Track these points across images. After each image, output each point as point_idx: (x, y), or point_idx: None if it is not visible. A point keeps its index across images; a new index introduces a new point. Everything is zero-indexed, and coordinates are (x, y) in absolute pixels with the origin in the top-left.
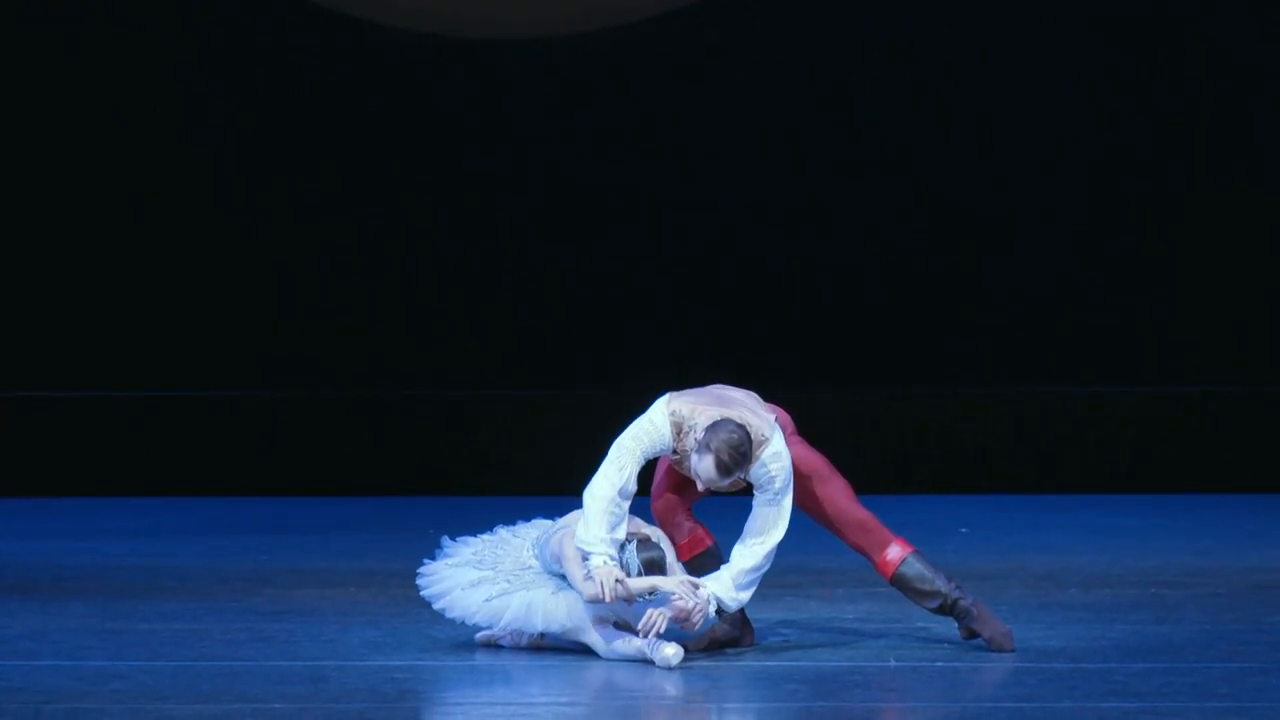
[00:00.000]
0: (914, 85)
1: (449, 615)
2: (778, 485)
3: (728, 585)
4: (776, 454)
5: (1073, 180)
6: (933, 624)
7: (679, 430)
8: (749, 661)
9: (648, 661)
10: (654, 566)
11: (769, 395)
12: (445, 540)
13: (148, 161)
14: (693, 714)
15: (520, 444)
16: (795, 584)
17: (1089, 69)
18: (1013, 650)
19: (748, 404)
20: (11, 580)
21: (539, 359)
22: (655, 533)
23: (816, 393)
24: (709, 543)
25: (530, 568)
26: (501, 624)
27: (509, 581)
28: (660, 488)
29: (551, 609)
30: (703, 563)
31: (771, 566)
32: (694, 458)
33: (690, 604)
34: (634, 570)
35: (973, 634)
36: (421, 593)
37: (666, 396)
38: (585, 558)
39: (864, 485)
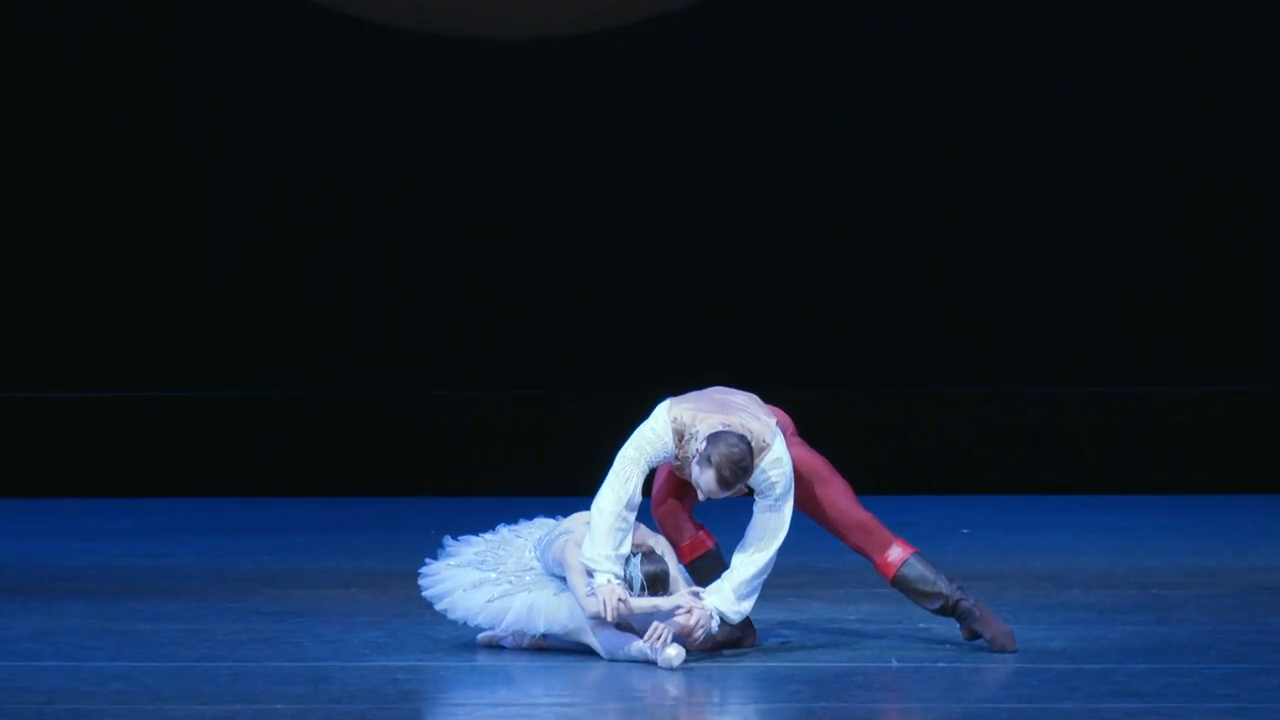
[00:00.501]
0: (914, 85)
1: (451, 616)
2: (778, 491)
3: (729, 597)
4: (777, 460)
5: (1073, 180)
6: (934, 625)
7: (681, 437)
8: (751, 662)
9: (649, 662)
10: (657, 582)
11: (770, 396)
12: (447, 540)
13: (147, 161)
14: (695, 715)
15: (522, 445)
16: (797, 585)
17: (1089, 69)
18: (1015, 651)
19: (748, 408)
20: (12, 581)
21: (541, 360)
22: (659, 541)
23: (818, 393)
24: (710, 545)
25: (532, 569)
26: (503, 625)
27: (511, 583)
28: (662, 491)
29: (553, 610)
30: (704, 565)
31: (773, 570)
32: (695, 469)
33: (692, 620)
34: (637, 584)
35: (975, 635)
36: (423, 593)
37: (667, 403)
38: (590, 573)
39: (865, 486)
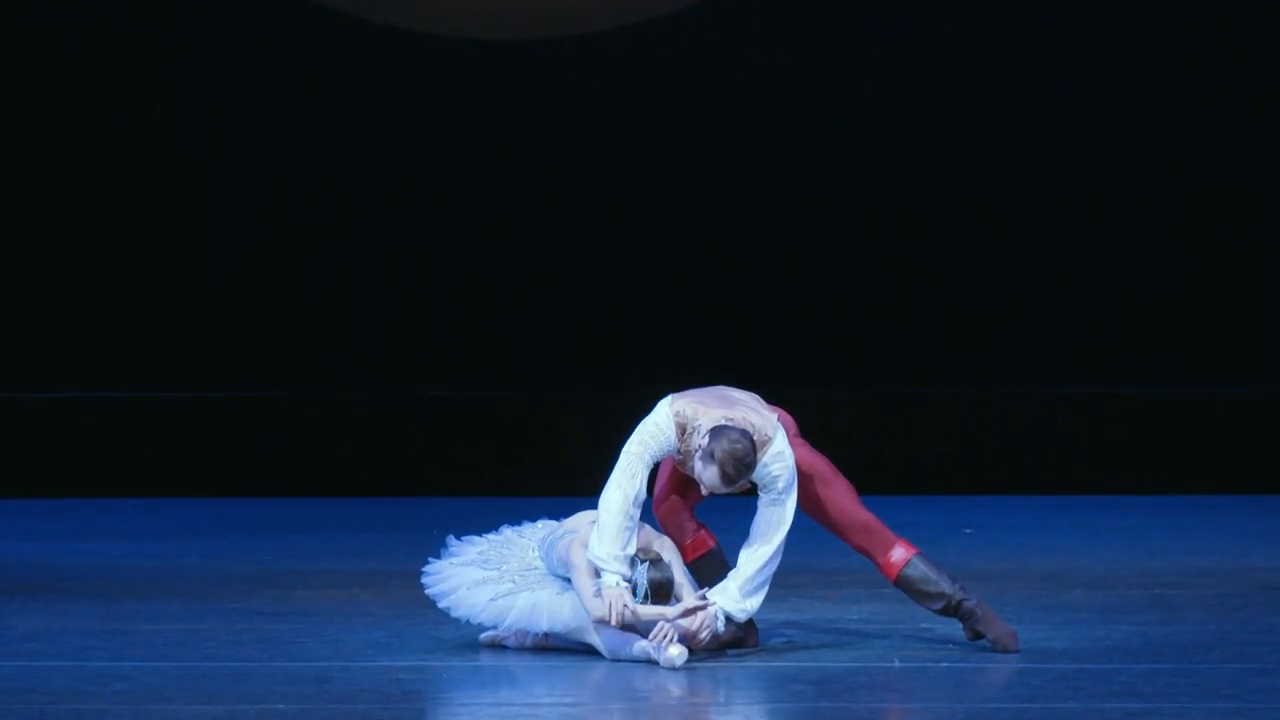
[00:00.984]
0: (915, 86)
1: (454, 614)
2: (781, 485)
3: (734, 596)
4: (779, 454)
5: (1073, 181)
6: (937, 624)
7: (683, 430)
8: (754, 662)
9: (652, 662)
10: (661, 591)
11: (773, 396)
12: (450, 540)
13: (147, 161)
14: (697, 715)
15: (524, 445)
16: (800, 585)
17: (1090, 69)
18: (1017, 651)
19: (750, 404)
20: (15, 581)
21: (543, 361)
22: (664, 543)
23: (819, 393)
24: (711, 544)
25: (536, 568)
26: (506, 624)
27: (514, 582)
28: (664, 490)
29: (556, 609)
30: (706, 564)
31: (778, 568)
32: (698, 464)
33: (696, 622)
34: (641, 591)
35: (978, 635)
36: (426, 591)
37: (669, 398)
38: (597, 573)
39: (867, 486)
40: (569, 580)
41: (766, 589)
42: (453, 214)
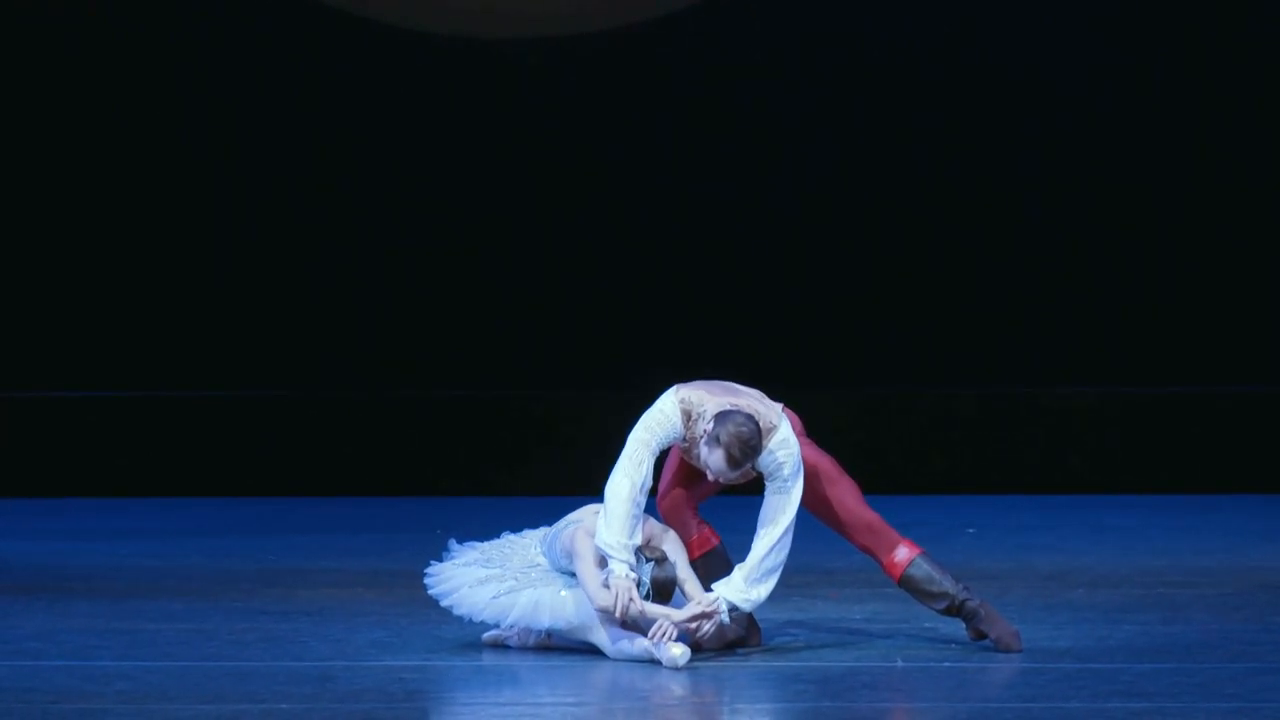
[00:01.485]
0: (916, 85)
1: (456, 612)
2: (786, 473)
3: (738, 586)
4: (784, 441)
5: (1075, 181)
6: (940, 624)
7: (689, 417)
8: (756, 662)
9: (655, 661)
10: (665, 589)
11: (776, 395)
12: (452, 543)
13: (147, 162)
14: (700, 714)
15: (527, 445)
16: (802, 584)
17: (1090, 69)
18: (1020, 651)
19: (755, 396)
20: (18, 581)
21: (545, 360)
22: (668, 536)
23: (822, 393)
24: (715, 543)
25: (538, 565)
26: (508, 621)
27: (516, 579)
28: (668, 485)
29: (558, 607)
30: (709, 562)
31: (787, 559)
32: (704, 449)
33: (699, 621)
34: (644, 588)
35: (981, 635)
36: (429, 591)
37: (675, 387)
38: (603, 563)
39: (870, 486)
40: (572, 575)
41: (775, 579)
42: (453, 214)
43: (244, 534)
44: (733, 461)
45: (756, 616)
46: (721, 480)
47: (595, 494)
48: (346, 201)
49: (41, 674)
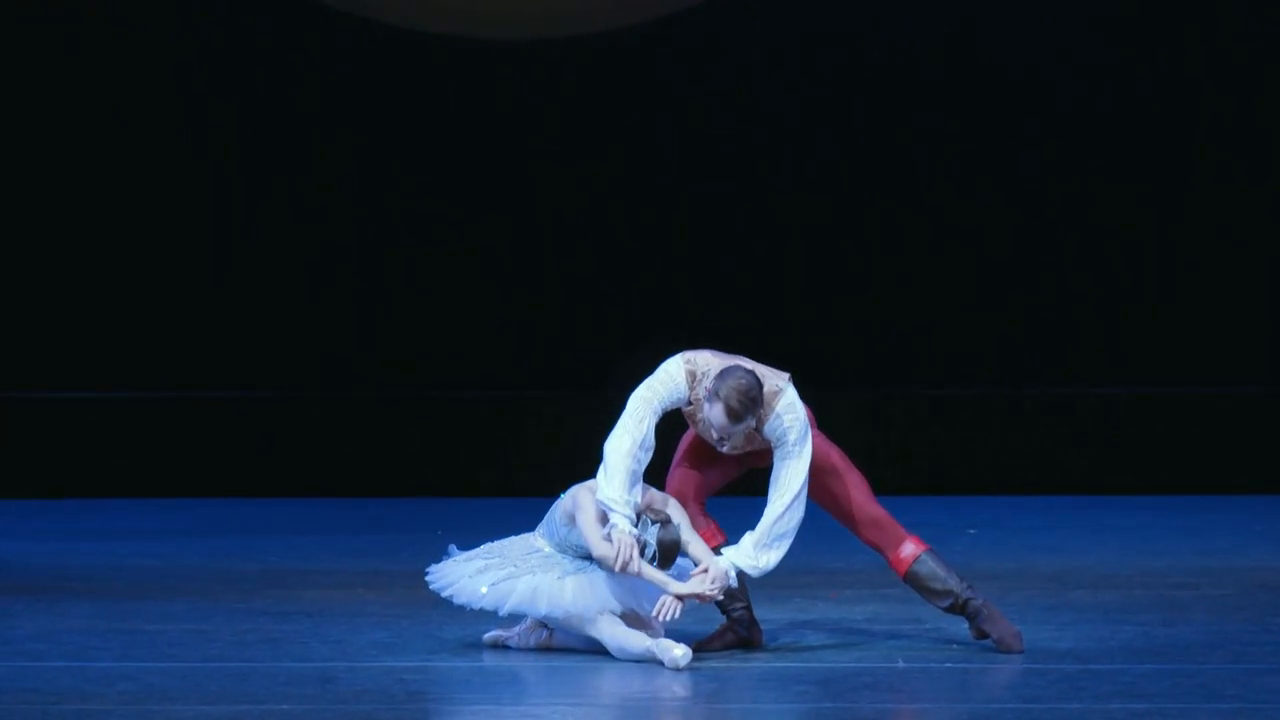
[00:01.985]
0: (917, 86)
1: (456, 601)
2: (793, 438)
3: (747, 550)
4: (790, 405)
5: (1075, 181)
6: (941, 625)
7: (693, 379)
8: (758, 663)
9: (656, 662)
10: (670, 551)
11: None
12: (452, 549)
13: (148, 162)
14: (701, 716)
15: (530, 446)
16: (804, 585)
17: (1091, 69)
18: (1022, 652)
19: (763, 367)
20: (19, 581)
21: (548, 361)
22: (670, 502)
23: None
24: (721, 539)
25: (538, 551)
26: (506, 608)
27: (515, 566)
28: (675, 480)
29: (556, 593)
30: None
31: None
32: (705, 407)
33: (708, 580)
34: (650, 550)
35: (983, 634)
36: (430, 585)
37: (681, 353)
38: (604, 520)
39: (873, 486)
40: (572, 557)
41: (785, 546)
42: (455, 214)
43: (245, 535)
44: (732, 414)
45: (758, 617)
46: (724, 440)
47: None
48: (347, 202)
49: (42, 675)
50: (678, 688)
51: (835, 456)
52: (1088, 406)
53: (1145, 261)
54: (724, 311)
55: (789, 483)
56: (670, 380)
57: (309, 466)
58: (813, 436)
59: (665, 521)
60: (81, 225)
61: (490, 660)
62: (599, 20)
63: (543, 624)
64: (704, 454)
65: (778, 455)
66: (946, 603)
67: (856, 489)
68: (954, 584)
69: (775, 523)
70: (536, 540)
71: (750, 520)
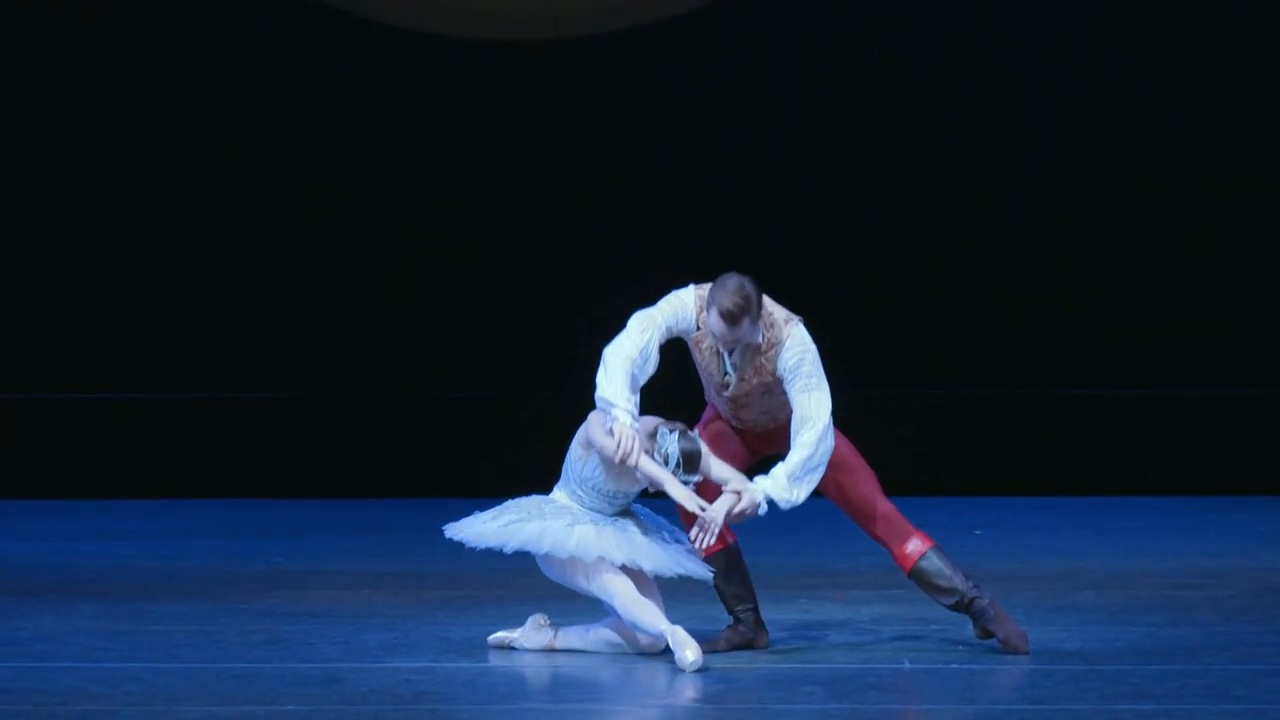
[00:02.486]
0: (920, 86)
1: (467, 544)
2: (806, 367)
3: (781, 481)
4: (802, 336)
5: (1083, 184)
6: (948, 626)
7: (701, 306)
8: (764, 664)
9: (662, 648)
10: (692, 461)
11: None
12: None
13: (148, 163)
14: (708, 717)
15: (536, 447)
16: (810, 586)
17: (1096, 70)
18: (1028, 653)
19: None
20: (24, 582)
21: (555, 361)
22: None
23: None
24: (730, 540)
25: (553, 501)
26: (511, 545)
27: (528, 513)
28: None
29: (562, 538)
30: (724, 560)
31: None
32: (706, 317)
33: (742, 504)
34: (674, 460)
35: (988, 634)
36: (445, 532)
37: (693, 284)
38: (607, 412)
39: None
40: (585, 508)
41: (816, 479)
42: (458, 215)
43: (251, 535)
44: (728, 315)
45: (764, 618)
46: (723, 342)
47: None
48: (352, 204)
49: (48, 676)
50: (684, 689)
51: (847, 450)
52: (1094, 408)
53: (1155, 264)
54: None
55: (816, 414)
56: (680, 304)
57: (315, 468)
58: None
59: (684, 430)
60: (82, 226)
61: (496, 661)
62: (596, 23)
63: (548, 625)
64: (714, 445)
65: (797, 389)
66: (951, 600)
67: (866, 484)
68: (960, 582)
69: (808, 455)
70: (554, 495)
71: (763, 520)
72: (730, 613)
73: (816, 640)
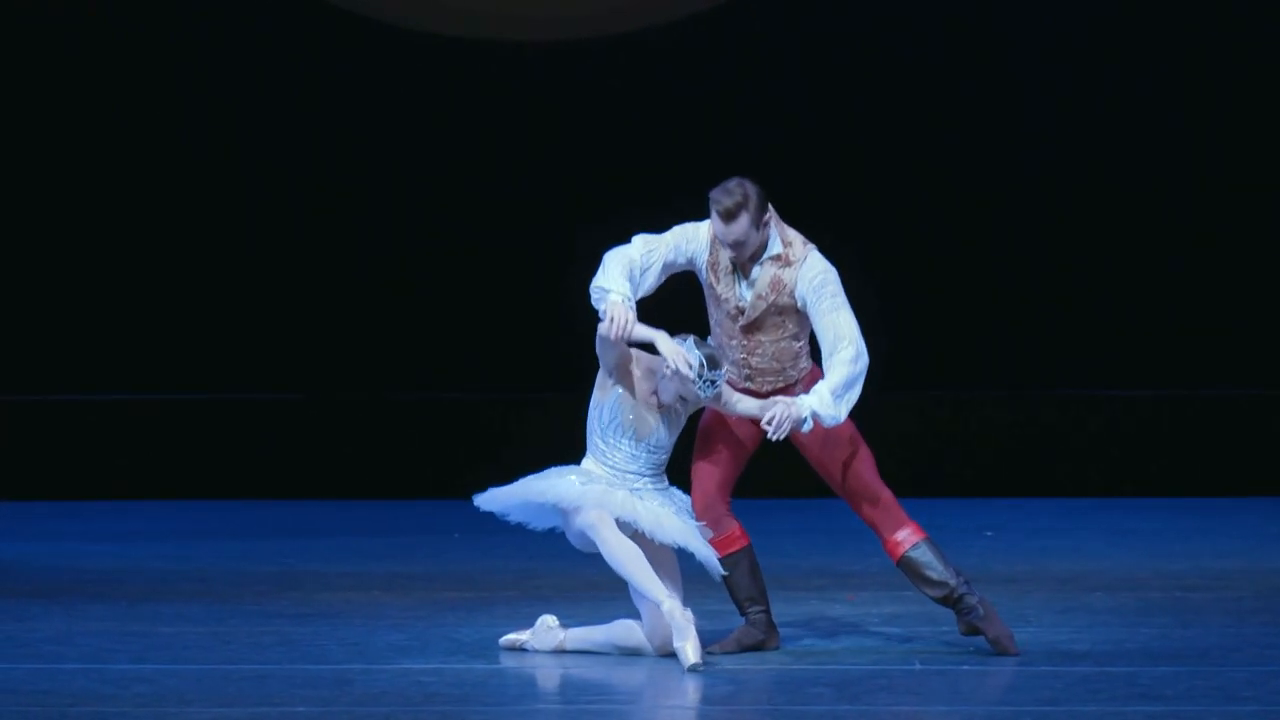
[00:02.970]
0: (919, 87)
1: (484, 507)
2: (831, 286)
3: (825, 398)
4: (820, 258)
5: (1092, 185)
6: (955, 626)
7: (716, 243)
8: (774, 665)
9: (673, 656)
10: (715, 360)
11: None
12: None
13: (150, 164)
14: (718, 718)
15: (548, 448)
16: (820, 587)
17: (1100, 72)
18: (1016, 654)
19: None
20: (35, 584)
21: (566, 362)
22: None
23: None
24: (745, 543)
25: (575, 467)
26: (520, 493)
27: (545, 473)
28: (698, 477)
29: (567, 488)
30: (738, 560)
31: (803, 554)
32: (710, 220)
33: (789, 411)
34: (698, 360)
35: (973, 631)
36: (475, 502)
37: None
38: (599, 300)
39: (890, 488)
40: (606, 471)
41: (854, 398)
42: (462, 215)
43: (262, 537)
44: (727, 213)
45: (774, 619)
46: (726, 242)
47: None
48: (357, 204)
49: (59, 677)
50: (692, 689)
51: (851, 430)
52: (1105, 409)
53: (1167, 264)
54: None
55: (849, 332)
56: (693, 228)
57: (326, 469)
58: None
59: (699, 339)
60: (102, 231)
61: (507, 662)
62: (594, 25)
63: (557, 625)
64: (719, 435)
65: (824, 309)
66: (939, 593)
67: (864, 464)
68: (949, 576)
69: (848, 373)
70: (583, 464)
71: (773, 524)
72: (742, 614)
73: (827, 641)
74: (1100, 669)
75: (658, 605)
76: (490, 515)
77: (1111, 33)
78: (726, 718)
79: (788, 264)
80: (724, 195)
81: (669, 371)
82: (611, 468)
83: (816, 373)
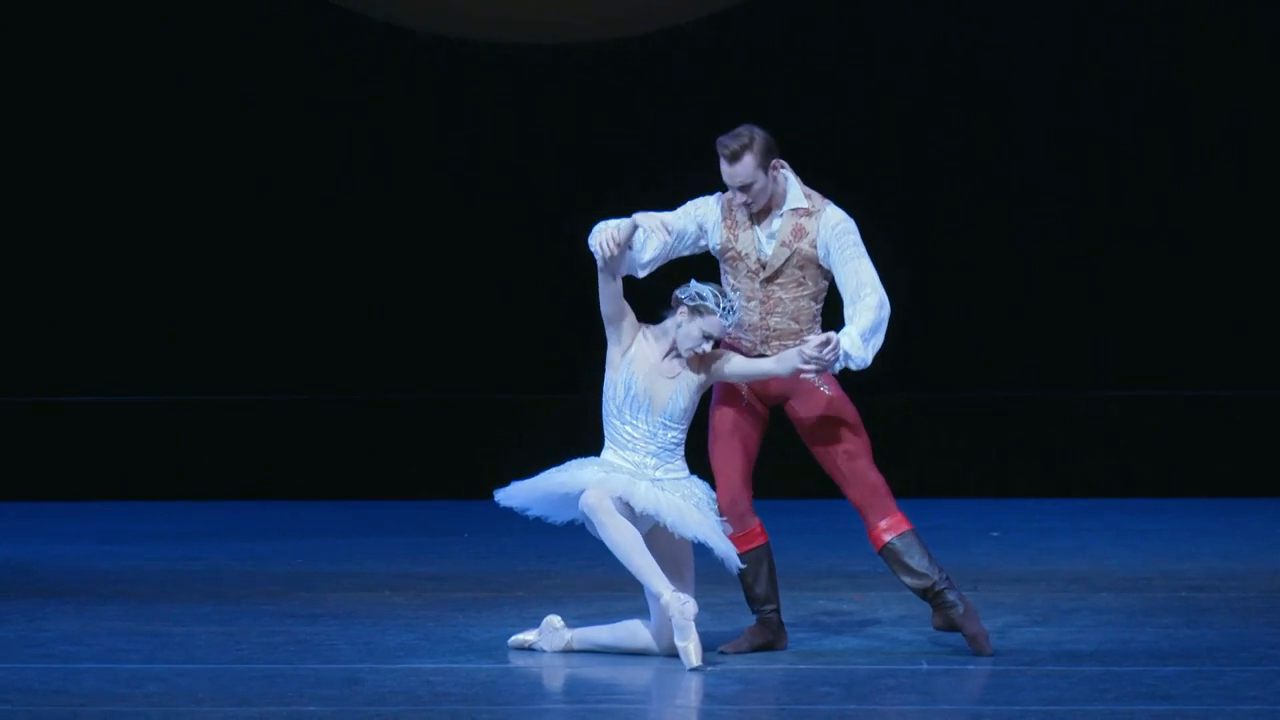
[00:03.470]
0: (920, 87)
1: (503, 502)
2: (851, 237)
3: (855, 340)
4: (833, 211)
5: (1094, 186)
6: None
7: (729, 205)
8: (782, 665)
9: (671, 657)
10: (721, 292)
11: None
12: None
13: (151, 164)
14: (726, 717)
15: (557, 448)
16: (829, 587)
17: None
18: (991, 654)
19: None
20: (48, 584)
21: (573, 363)
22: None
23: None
24: (764, 540)
25: (594, 458)
26: (539, 484)
27: (564, 466)
28: (717, 462)
29: (579, 473)
30: (756, 557)
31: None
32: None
33: (828, 349)
34: (708, 294)
35: (949, 626)
36: (495, 497)
37: None
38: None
39: (894, 489)
40: (621, 447)
41: (879, 343)
42: (465, 216)
43: (272, 537)
44: (732, 155)
45: (783, 619)
46: (733, 184)
47: None
48: (363, 204)
49: (72, 676)
50: (701, 689)
51: (848, 412)
52: (1111, 410)
53: (1171, 266)
54: None
55: (870, 278)
56: (710, 202)
57: (336, 469)
58: (832, 385)
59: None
60: (112, 234)
61: (516, 661)
62: (593, 27)
63: (563, 625)
64: (731, 427)
65: (846, 257)
66: (919, 584)
67: (860, 448)
68: (931, 569)
69: (874, 318)
70: (602, 455)
71: (789, 523)
72: (754, 612)
73: (835, 641)
74: (1106, 669)
75: (657, 597)
76: (499, 516)
77: (1118, 34)
78: (734, 717)
79: (809, 214)
80: (730, 139)
81: (687, 304)
82: (631, 451)
83: None
